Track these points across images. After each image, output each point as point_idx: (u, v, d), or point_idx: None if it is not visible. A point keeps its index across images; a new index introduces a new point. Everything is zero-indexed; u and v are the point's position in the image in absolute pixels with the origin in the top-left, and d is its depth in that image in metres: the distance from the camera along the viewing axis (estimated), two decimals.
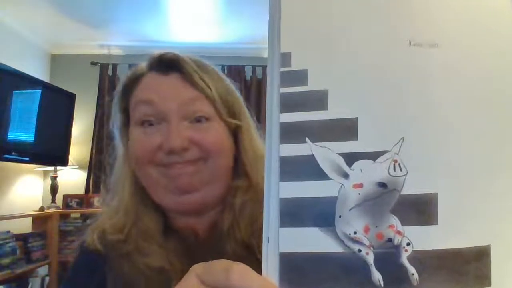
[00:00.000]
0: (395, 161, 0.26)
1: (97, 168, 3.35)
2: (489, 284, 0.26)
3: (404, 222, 0.26)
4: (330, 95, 0.27)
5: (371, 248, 0.26)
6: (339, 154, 0.27)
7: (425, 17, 0.28)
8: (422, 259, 0.25)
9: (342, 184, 0.27)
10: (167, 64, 0.56)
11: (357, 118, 0.27)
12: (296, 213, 0.26)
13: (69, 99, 3.22)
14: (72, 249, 3.03)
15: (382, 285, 0.25)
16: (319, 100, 0.27)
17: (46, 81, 3.31)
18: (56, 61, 3.60)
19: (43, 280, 2.86)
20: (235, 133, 0.58)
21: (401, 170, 0.26)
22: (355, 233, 0.26)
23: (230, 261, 0.27)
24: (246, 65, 3.54)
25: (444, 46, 0.27)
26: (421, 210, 0.26)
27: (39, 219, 3.02)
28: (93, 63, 3.52)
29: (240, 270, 0.26)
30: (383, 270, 0.25)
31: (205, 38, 3.44)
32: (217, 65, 0.63)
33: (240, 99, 0.61)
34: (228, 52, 3.45)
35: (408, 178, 0.26)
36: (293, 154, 0.27)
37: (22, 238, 2.74)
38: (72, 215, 3.20)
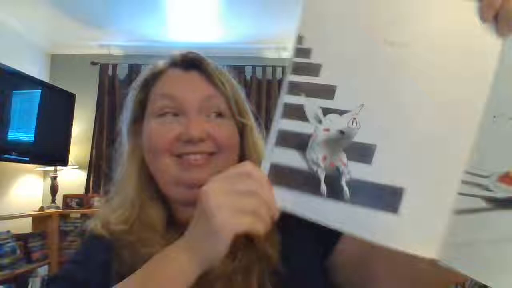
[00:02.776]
0: (354, 118, 0.38)
1: (97, 168, 3.36)
2: (396, 211, 0.36)
3: (349, 159, 0.38)
4: (323, 68, 0.40)
5: (324, 170, 0.38)
6: (320, 107, 0.39)
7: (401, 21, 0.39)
8: (354, 184, 0.37)
9: (317, 127, 0.39)
10: (189, 62, 0.61)
11: (336, 86, 0.39)
12: (286, 139, 0.40)
13: (69, 99, 3.22)
14: (72, 249, 3.03)
15: (326, 194, 0.38)
16: (315, 69, 0.40)
17: (46, 81, 3.31)
18: (56, 61, 3.60)
19: (43, 280, 2.86)
20: (241, 131, 0.62)
21: (356, 125, 0.38)
22: (316, 159, 0.39)
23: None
24: (246, 65, 3.53)
25: (413, 46, 0.38)
26: (362, 153, 0.37)
27: (39, 219, 3.02)
28: (93, 63, 3.52)
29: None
30: (328, 185, 0.38)
31: (205, 38, 3.44)
32: None
33: (246, 99, 0.65)
34: (228, 52, 3.45)
35: (360, 131, 0.38)
36: (291, 102, 0.40)
37: (22, 238, 2.74)
38: (72, 215, 3.20)
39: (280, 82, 3.64)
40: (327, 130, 0.38)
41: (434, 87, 0.37)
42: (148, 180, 0.61)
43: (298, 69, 0.40)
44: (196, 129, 0.55)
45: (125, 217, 0.58)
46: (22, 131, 2.81)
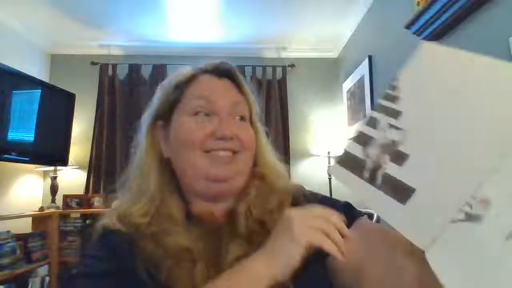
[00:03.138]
0: (404, 134, 0.52)
1: (97, 168, 3.36)
2: (404, 204, 0.48)
3: (390, 160, 0.52)
4: (400, 99, 0.56)
5: (372, 162, 0.53)
6: (387, 123, 0.54)
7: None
8: (385, 176, 0.51)
9: (380, 134, 0.54)
10: (221, 71, 0.70)
11: (402, 112, 0.54)
12: (360, 138, 0.56)
13: (69, 99, 3.22)
14: (72, 249, 3.03)
15: (365, 179, 0.52)
16: (395, 99, 0.56)
17: (46, 81, 3.31)
18: (56, 61, 3.60)
19: (43, 280, 2.86)
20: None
21: (404, 139, 0.52)
22: (370, 154, 0.54)
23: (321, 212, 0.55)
24: (246, 65, 3.53)
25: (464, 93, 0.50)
26: (399, 158, 0.51)
27: (39, 219, 3.02)
28: (93, 63, 3.52)
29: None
30: (370, 172, 0.53)
31: (205, 38, 3.45)
32: None
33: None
34: (228, 52, 3.45)
35: (404, 143, 0.52)
36: (374, 116, 0.56)
37: (22, 238, 2.74)
38: (72, 215, 3.20)
39: (279, 82, 3.64)
40: (385, 138, 0.54)
41: (473, 125, 0.48)
42: (169, 175, 0.66)
43: (386, 98, 0.57)
44: (228, 128, 0.63)
45: (144, 211, 0.61)
46: (22, 131, 2.81)
